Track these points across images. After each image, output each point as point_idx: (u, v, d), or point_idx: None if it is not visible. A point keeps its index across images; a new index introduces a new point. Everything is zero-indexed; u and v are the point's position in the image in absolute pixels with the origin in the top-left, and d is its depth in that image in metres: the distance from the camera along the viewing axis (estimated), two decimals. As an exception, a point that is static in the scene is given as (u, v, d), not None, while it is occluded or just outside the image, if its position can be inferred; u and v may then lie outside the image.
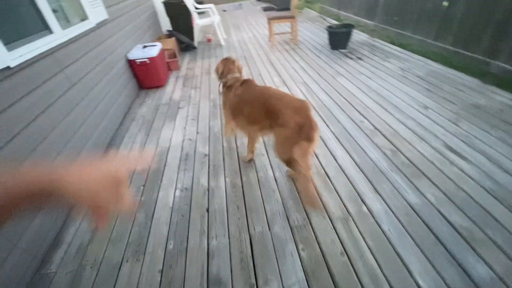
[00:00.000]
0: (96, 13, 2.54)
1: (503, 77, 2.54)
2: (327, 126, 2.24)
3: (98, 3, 2.60)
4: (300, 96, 2.78)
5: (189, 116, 2.67)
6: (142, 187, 1.84)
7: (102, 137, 2.26)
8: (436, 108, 2.31)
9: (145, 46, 3.32)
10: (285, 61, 3.79)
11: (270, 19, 4.29)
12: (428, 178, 1.64)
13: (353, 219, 1.44)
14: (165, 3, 4.77)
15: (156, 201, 1.71)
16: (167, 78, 3.63)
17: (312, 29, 5.25)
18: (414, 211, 1.45)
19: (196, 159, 2.05)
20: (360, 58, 3.56)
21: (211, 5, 5.04)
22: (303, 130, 1.30)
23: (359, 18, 5.01)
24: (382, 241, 1.32)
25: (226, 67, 1.80)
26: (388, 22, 4.18)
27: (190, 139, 2.29)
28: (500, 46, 2.55)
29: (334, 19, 5.61)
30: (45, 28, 1.82)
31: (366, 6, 4.78)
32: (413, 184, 1.61)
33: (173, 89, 3.33)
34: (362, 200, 1.54)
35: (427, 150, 1.85)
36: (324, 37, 4.47)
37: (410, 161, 1.77)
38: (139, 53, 3.11)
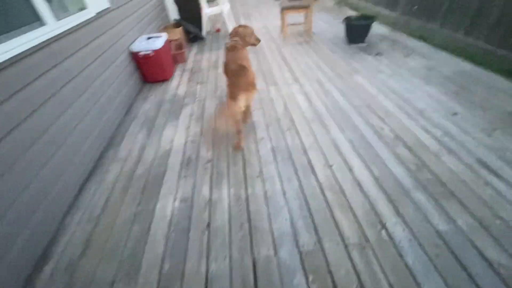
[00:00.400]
0: (96, 1, 2.37)
1: (545, 80, 2.25)
2: (343, 131, 2.04)
3: (98, -9, 2.42)
4: (312, 96, 2.57)
5: (193, 114, 2.50)
6: (139, 195, 1.71)
7: (101, 136, 2.13)
8: (467, 115, 2.06)
9: (149, 38, 3.14)
10: (297, 55, 3.54)
11: (283, 9, 4.02)
12: (459, 200, 1.44)
13: (371, 247, 1.27)
14: (172, -10, 4.54)
15: (154, 213, 1.58)
16: (173, 72, 3.45)
17: (328, 19, 4.93)
18: (443, 241, 1.26)
19: (199, 164, 1.90)
20: (379, 54, 3.28)
21: (221, -7, 4.76)
22: (232, 90, 1.88)
23: (380, 8, 4.65)
24: (405, 277, 1.15)
25: (235, 31, 2.26)
26: (412, 13, 3.84)
27: (193, 141, 2.14)
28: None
29: (351, 9, 5.25)
30: (37, 20, 1.66)
31: (387, -4, 4.42)
32: (441, 206, 1.41)
33: (178, 83, 3.15)
34: (383, 224, 1.36)
35: (457, 166, 1.64)
36: (340, 29, 4.17)
37: (438, 178, 1.57)
38: (143, 45, 2.94)
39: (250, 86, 1.92)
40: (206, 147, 2.05)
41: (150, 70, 3.11)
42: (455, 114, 2.08)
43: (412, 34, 3.75)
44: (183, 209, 1.58)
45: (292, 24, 4.63)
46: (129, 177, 1.86)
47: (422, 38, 3.57)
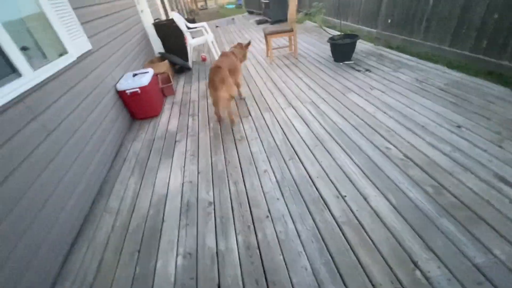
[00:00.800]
0: (77, 45, 2.28)
1: (537, 84, 2.25)
2: (349, 156, 1.94)
3: (79, 34, 2.34)
4: (309, 119, 2.49)
5: (188, 151, 2.36)
6: (136, 253, 1.52)
7: (89, 187, 1.95)
8: (471, 126, 2.01)
9: (135, 74, 3.05)
10: (287, 78, 3.53)
11: (267, 35, 4.06)
12: (488, 224, 1.32)
13: (408, 293, 1.12)
14: (155, 25, 4.57)
15: (154, 274, 1.39)
16: (162, 106, 3.35)
17: (311, 41, 5.03)
18: (485, 276, 1.12)
19: (200, 209, 1.73)
20: (368, 70, 3.30)
21: (204, 23, 4.83)
22: (210, 83, 2.44)
23: (361, 27, 4.79)
24: (455, 329, 0.99)
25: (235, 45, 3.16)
26: (394, 28, 3.94)
27: (191, 182, 1.98)
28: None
29: (333, 29, 5.40)
30: (12, 72, 1.53)
31: (367, 13, 4.57)
32: (472, 234, 1.29)
33: (168, 118, 3.04)
34: (415, 263, 1.22)
35: (476, 184, 1.54)
36: (325, 49, 4.24)
37: (460, 201, 1.46)
38: (129, 83, 2.84)
39: (220, 83, 2.38)
40: (205, 187, 1.90)
41: (138, 108, 2.99)
42: (459, 126, 2.03)
43: (397, 48, 3.83)
44: (187, 266, 1.39)
45: (277, 48, 4.69)
46: (123, 232, 1.66)
47: (406, 51, 3.63)
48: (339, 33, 4.41)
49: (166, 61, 4.06)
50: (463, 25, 2.86)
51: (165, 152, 2.40)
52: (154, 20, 5.25)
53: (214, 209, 1.70)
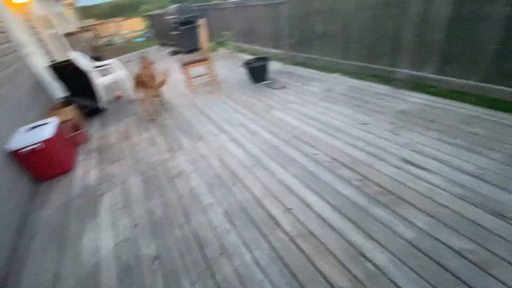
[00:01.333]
0: None
1: (408, 80, 2.88)
2: (285, 168, 2.04)
3: None
4: (242, 141, 2.54)
5: (117, 203, 2.07)
6: None
7: (-18, 286, 1.47)
8: (373, 121, 2.40)
9: (33, 127, 2.56)
10: (213, 104, 3.55)
11: (184, 65, 4.05)
12: (407, 202, 1.56)
13: (364, 285, 1.20)
14: (52, 67, 4.00)
15: None
16: (75, 158, 2.88)
17: (228, 66, 5.25)
18: (417, 249, 1.31)
19: (143, 269, 1.50)
20: (284, 87, 3.62)
21: (113, 60, 4.50)
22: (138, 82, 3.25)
23: (267, 49, 5.29)
24: (409, 305, 1.10)
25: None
26: (296, 48, 4.49)
27: (127, 239, 1.72)
28: (398, 56, 2.91)
29: (244, 53, 5.79)
30: None
31: (271, 37, 5.09)
32: (398, 214, 1.50)
33: (86, 170, 2.62)
34: (363, 255, 1.32)
35: (390, 170, 1.82)
36: (242, 73, 4.48)
37: (383, 187, 1.69)
38: (25, 139, 2.35)
39: (146, 78, 3.33)
40: (145, 242, 1.67)
41: (43, 166, 2.49)
42: (366, 124, 2.39)
43: (301, 64, 4.35)
44: None
45: (197, 76, 4.71)
46: None
47: (310, 66, 4.17)
48: (252, 56, 4.76)
49: (72, 106, 3.56)
50: (348, 40, 3.47)
51: (88, 212, 2.04)
52: (50, 62, 4.60)
53: (161, 264, 1.51)
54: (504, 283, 1.11)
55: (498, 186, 1.53)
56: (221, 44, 5.85)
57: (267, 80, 3.97)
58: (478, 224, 1.36)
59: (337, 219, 1.54)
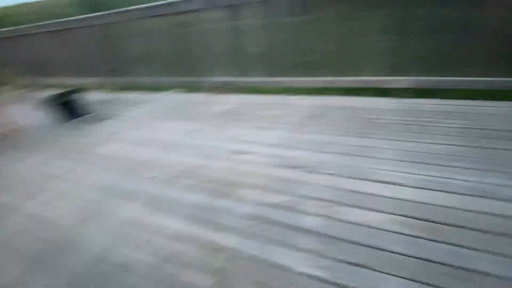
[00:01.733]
0: None
1: (220, 86, 3.39)
2: (128, 202, 1.86)
3: None
4: (97, 194, 2.08)
5: None
6: None
7: None
8: (201, 128, 2.65)
9: None
10: (17, 161, 2.66)
11: None
12: (240, 184, 1.85)
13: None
14: None
15: None
16: None
17: (18, 111, 3.98)
18: (258, 219, 1.57)
19: None
20: (107, 118, 3.28)
21: None
22: None
23: (79, 80, 4.55)
24: None
25: None
26: (114, 74, 4.19)
27: None
28: (205, 68, 3.35)
29: (42, 92, 4.68)
30: None
31: (78, 66, 4.45)
32: (237, 197, 1.74)
33: None
34: (216, 246, 1.44)
35: (223, 164, 2.08)
36: (38, 114, 3.50)
37: (220, 180, 1.91)
38: None
39: None
40: None
41: None
42: (193, 132, 2.60)
43: (123, 89, 4.11)
44: None
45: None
46: None
47: (132, 89, 4.04)
48: (57, 91, 3.92)
49: None
50: (167, 58, 3.60)
51: None
52: None
53: None
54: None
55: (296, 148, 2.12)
56: (3, 84, 4.48)
57: (86, 114, 3.43)
58: (287, 180, 1.82)
59: (190, 227, 1.59)
